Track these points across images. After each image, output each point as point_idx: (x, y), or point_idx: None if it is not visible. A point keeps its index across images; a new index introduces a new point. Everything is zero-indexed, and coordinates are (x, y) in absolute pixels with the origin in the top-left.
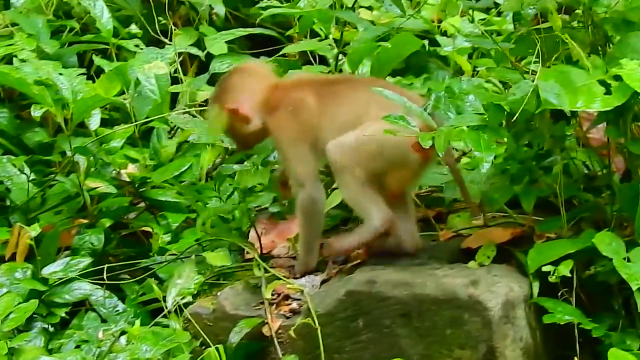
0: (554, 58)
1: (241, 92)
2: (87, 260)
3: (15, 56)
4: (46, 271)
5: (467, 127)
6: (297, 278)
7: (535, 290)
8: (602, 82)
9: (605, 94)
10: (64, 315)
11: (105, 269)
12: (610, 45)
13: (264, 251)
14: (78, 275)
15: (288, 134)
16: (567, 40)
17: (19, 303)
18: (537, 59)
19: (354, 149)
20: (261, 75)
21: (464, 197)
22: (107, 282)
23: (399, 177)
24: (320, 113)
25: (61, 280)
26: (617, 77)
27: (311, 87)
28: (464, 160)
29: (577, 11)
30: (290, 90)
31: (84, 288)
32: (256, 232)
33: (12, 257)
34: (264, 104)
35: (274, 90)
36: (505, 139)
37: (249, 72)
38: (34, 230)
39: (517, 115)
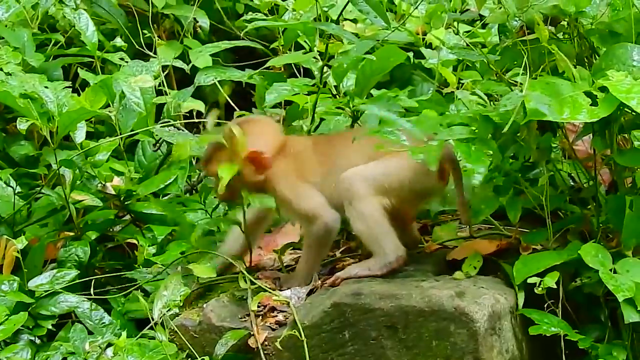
0: (540, 69)
1: (263, 139)
2: (73, 273)
3: (1, 69)
4: (33, 284)
5: (457, 139)
6: (282, 290)
7: (521, 301)
8: (588, 94)
9: (591, 105)
10: (50, 327)
11: (92, 281)
12: (596, 57)
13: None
14: (64, 288)
15: (292, 176)
16: (554, 51)
17: (7, 315)
18: (523, 71)
19: (379, 179)
20: (277, 128)
21: (462, 216)
22: (93, 294)
23: (417, 202)
24: (322, 161)
25: (47, 293)
26: (603, 89)
27: (310, 140)
28: None
29: (562, 23)
30: (293, 142)
31: (70, 300)
32: (249, 245)
33: None
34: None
35: (281, 146)
36: (491, 151)
37: (267, 122)
38: (21, 243)
39: (507, 126)
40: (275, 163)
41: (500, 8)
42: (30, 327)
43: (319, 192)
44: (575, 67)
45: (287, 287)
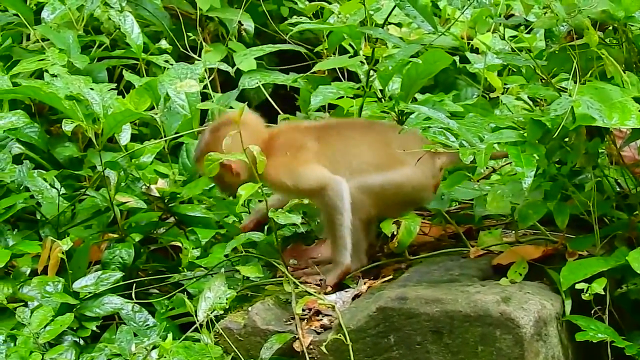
0: (589, 74)
1: (234, 148)
2: (118, 275)
3: (46, 71)
4: (77, 285)
5: (506, 143)
6: (329, 293)
7: (568, 308)
8: (637, 99)
9: None
10: (94, 329)
11: (135, 284)
12: None
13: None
14: (108, 290)
15: (286, 164)
16: (603, 56)
17: (52, 317)
18: (570, 76)
19: (377, 193)
20: (252, 129)
21: None
22: (136, 296)
23: (403, 212)
24: (322, 155)
25: (92, 295)
26: None
27: (310, 132)
28: (494, 177)
29: (610, 27)
30: (286, 135)
31: (114, 302)
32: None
33: (44, 271)
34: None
35: (267, 141)
36: (538, 156)
37: (242, 126)
38: (66, 244)
39: (557, 131)
40: (270, 160)
41: (547, 13)
42: (75, 328)
43: (317, 164)
44: (624, 73)
45: (333, 278)
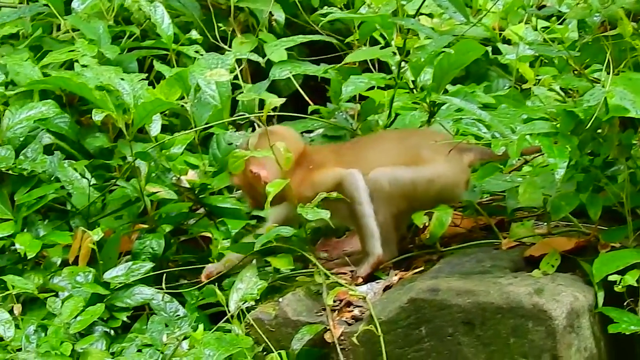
0: (623, 65)
1: (267, 158)
2: (148, 265)
3: (77, 61)
4: (108, 275)
5: (539, 134)
6: (360, 284)
7: (601, 300)
8: None
9: None
10: (125, 319)
11: (165, 274)
12: None
13: None
14: (138, 280)
15: (309, 180)
16: (637, 47)
17: (83, 307)
18: (603, 67)
19: (408, 185)
20: (290, 142)
21: None
22: (167, 287)
23: (435, 206)
24: (342, 161)
25: (122, 285)
26: None
27: (332, 150)
28: (526, 168)
29: None
30: (311, 154)
31: (145, 292)
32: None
33: (74, 261)
34: (285, 171)
35: (298, 156)
36: (570, 147)
37: (279, 137)
38: (96, 235)
39: (590, 122)
40: (294, 176)
41: (580, 4)
42: (105, 318)
43: (332, 168)
44: None
45: (365, 268)
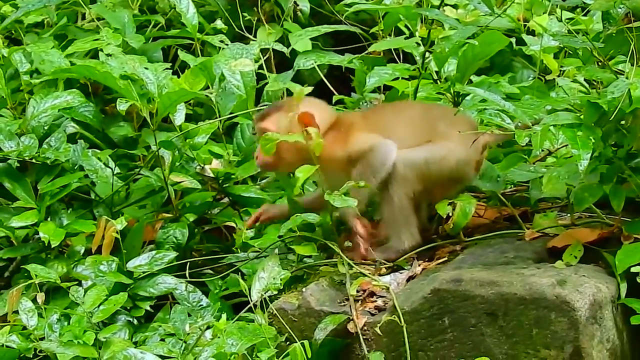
0: None
1: (315, 107)
2: (172, 255)
3: (101, 50)
4: (131, 264)
5: (562, 125)
6: (384, 274)
7: (624, 291)
8: None
9: None
10: (148, 308)
11: (188, 264)
12: None
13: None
14: (161, 269)
15: (341, 144)
16: None
17: (107, 296)
18: (627, 59)
19: (422, 166)
20: (328, 107)
21: None
22: (190, 277)
23: (448, 190)
24: (372, 127)
25: (145, 274)
26: None
27: (358, 115)
28: (550, 159)
29: None
30: (342, 118)
31: (168, 282)
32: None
33: (98, 250)
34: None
35: (336, 120)
36: (594, 139)
37: (319, 101)
38: (120, 224)
39: (614, 114)
40: (327, 138)
41: None
42: (128, 308)
43: (369, 132)
44: None
45: (390, 254)
